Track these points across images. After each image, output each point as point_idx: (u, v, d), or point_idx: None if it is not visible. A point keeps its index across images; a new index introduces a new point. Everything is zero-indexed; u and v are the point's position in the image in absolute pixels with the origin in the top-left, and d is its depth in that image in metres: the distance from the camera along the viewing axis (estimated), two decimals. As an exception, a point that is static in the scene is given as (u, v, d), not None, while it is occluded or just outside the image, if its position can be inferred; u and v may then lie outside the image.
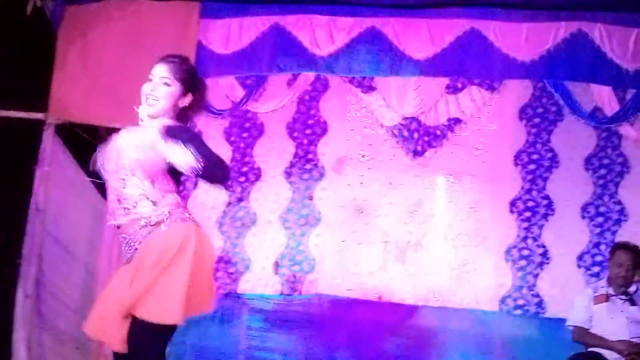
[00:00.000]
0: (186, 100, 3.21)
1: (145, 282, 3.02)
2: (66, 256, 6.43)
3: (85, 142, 6.54)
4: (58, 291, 6.35)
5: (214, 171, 3.06)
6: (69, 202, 6.46)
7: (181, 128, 3.13)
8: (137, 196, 3.10)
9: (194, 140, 3.06)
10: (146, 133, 3.10)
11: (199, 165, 2.94)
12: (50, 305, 6.31)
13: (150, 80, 3.19)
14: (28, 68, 6.33)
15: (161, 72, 3.18)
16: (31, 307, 6.21)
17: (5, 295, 6.17)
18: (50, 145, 6.39)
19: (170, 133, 3.04)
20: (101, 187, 6.53)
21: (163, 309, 3.00)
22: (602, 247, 5.65)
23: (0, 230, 6.20)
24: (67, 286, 6.42)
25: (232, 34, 6.29)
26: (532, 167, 5.90)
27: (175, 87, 3.17)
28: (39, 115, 6.44)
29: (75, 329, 6.40)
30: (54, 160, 6.40)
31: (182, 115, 3.23)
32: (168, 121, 3.15)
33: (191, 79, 3.23)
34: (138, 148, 3.07)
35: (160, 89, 3.15)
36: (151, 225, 3.11)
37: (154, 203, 3.11)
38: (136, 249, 3.13)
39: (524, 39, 5.79)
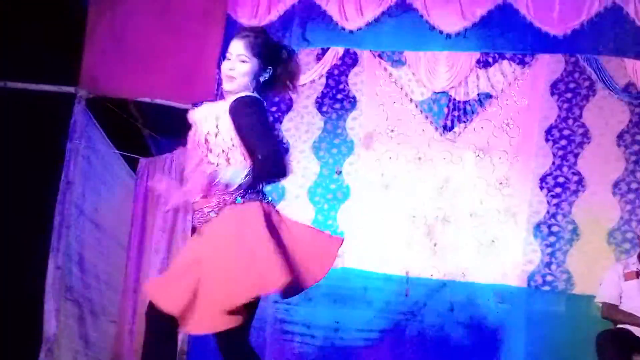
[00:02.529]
0: (266, 75, 3.15)
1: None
2: (95, 229, 6.51)
3: (115, 115, 6.60)
4: (88, 264, 6.43)
5: (265, 172, 3.03)
6: (99, 175, 6.52)
7: (245, 106, 3.03)
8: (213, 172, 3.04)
9: (252, 126, 3.00)
10: (219, 108, 3.08)
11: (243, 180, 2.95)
12: (79, 278, 6.39)
13: (229, 58, 3.13)
14: (58, 42, 6.36)
15: (237, 49, 3.11)
16: (61, 278, 6.30)
17: (36, 266, 6.27)
18: (81, 119, 6.44)
19: (234, 111, 3.01)
20: (130, 161, 6.63)
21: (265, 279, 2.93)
22: (633, 223, 5.59)
23: (32, 203, 6.28)
24: (97, 259, 6.49)
25: (261, 8, 6.28)
26: (563, 142, 5.84)
27: (253, 63, 3.10)
28: (69, 89, 6.49)
29: (103, 300, 6.49)
30: (84, 134, 6.45)
31: (268, 88, 3.19)
32: (243, 94, 3.09)
33: (269, 52, 3.15)
34: (209, 124, 3.05)
35: (237, 66, 3.10)
36: (225, 203, 3.05)
37: (230, 180, 3.02)
38: (207, 221, 3.07)
39: (556, 13, 5.71)
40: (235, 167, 3.01)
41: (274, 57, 3.17)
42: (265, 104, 3.11)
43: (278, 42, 3.30)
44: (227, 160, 3.03)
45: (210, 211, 3.04)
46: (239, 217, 3.01)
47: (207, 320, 2.99)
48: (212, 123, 3.03)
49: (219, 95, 6.43)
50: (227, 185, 3.00)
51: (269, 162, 2.99)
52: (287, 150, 2.95)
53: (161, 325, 3.17)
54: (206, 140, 3.03)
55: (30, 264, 6.25)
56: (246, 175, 3.02)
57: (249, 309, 3.03)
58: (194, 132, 3.10)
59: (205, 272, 2.99)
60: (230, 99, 3.09)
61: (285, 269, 2.91)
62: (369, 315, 5.83)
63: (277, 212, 3.15)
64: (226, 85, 3.13)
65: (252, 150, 3.00)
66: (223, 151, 3.03)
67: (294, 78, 3.25)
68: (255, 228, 2.98)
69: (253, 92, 3.13)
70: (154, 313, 3.17)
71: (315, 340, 5.81)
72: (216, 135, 3.02)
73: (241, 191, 3.05)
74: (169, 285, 3.12)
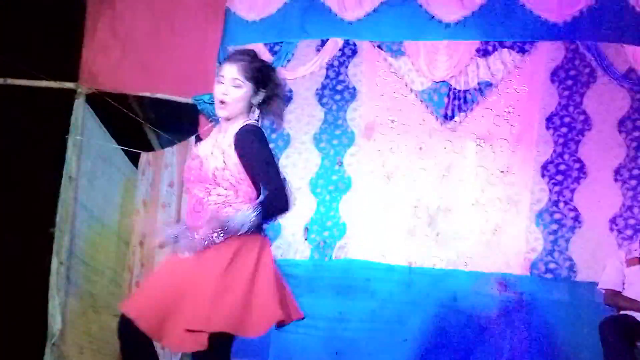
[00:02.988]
0: (259, 98, 3.16)
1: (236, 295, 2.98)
2: (96, 224, 6.52)
3: (116, 110, 6.61)
4: (90, 259, 6.45)
5: (271, 210, 3.05)
6: (100, 170, 6.54)
7: (249, 138, 3.05)
8: (221, 204, 3.05)
9: (257, 159, 3.03)
10: (223, 142, 3.08)
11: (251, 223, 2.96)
12: (80, 272, 6.41)
13: (221, 82, 3.14)
14: (58, 38, 6.38)
15: (231, 72, 3.11)
16: (65, 274, 6.32)
17: (40, 263, 6.28)
18: (81, 115, 6.46)
19: (239, 144, 3.04)
20: (132, 155, 6.65)
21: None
22: (635, 210, 5.57)
23: (34, 199, 6.30)
24: (97, 253, 6.51)
25: (260, 0, 6.29)
26: (564, 130, 5.82)
27: (247, 87, 3.11)
28: (69, 85, 6.50)
29: (105, 295, 6.51)
30: (85, 129, 6.47)
31: (260, 108, 3.19)
32: (242, 122, 3.11)
33: (262, 75, 3.15)
34: (216, 159, 3.06)
35: (231, 91, 3.10)
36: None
37: (240, 227, 3.00)
38: (207, 247, 3.06)
39: (556, 0, 5.71)
40: (243, 212, 2.99)
41: (267, 79, 3.17)
42: (264, 132, 3.13)
43: (268, 63, 3.32)
44: (236, 192, 3.05)
45: (216, 237, 3.03)
46: (238, 248, 3.02)
47: (178, 339, 2.97)
48: (219, 159, 3.04)
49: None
50: (237, 231, 2.99)
51: (275, 200, 3.02)
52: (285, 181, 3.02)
53: (137, 341, 3.12)
54: (214, 175, 3.03)
55: (34, 260, 6.28)
56: (253, 217, 3.01)
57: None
58: (199, 167, 3.09)
59: (190, 291, 2.99)
60: (232, 129, 3.09)
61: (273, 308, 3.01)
62: (372, 305, 5.83)
63: (269, 247, 3.15)
64: (220, 112, 3.13)
65: (258, 182, 3.04)
66: (232, 184, 3.05)
67: (279, 97, 3.25)
68: (247, 263, 3.01)
69: (249, 116, 3.15)
70: (130, 329, 3.11)
71: (318, 331, 5.80)
72: (224, 170, 3.03)
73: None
74: (148, 304, 3.09)
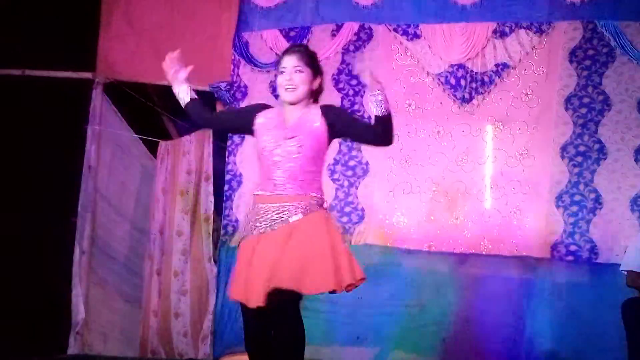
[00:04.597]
0: (316, 83, 3.49)
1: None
2: (114, 213, 6.57)
3: (133, 99, 6.63)
4: (108, 247, 6.50)
5: (390, 127, 3.37)
6: (117, 159, 6.57)
7: (334, 107, 3.50)
8: (307, 175, 3.40)
9: (349, 114, 3.62)
10: (310, 114, 3.43)
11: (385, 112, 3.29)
12: (101, 261, 6.46)
13: (282, 72, 3.44)
14: (74, 29, 6.39)
15: (292, 61, 3.43)
16: (87, 263, 6.38)
17: (62, 252, 6.34)
18: (99, 104, 6.50)
19: (328, 111, 3.44)
20: (149, 144, 6.67)
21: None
22: (657, 190, 5.54)
23: (56, 189, 6.35)
24: (116, 242, 6.56)
25: (275, -14, 6.28)
26: (583, 110, 5.76)
27: (306, 72, 3.43)
28: (87, 75, 6.53)
29: (125, 283, 6.56)
30: (103, 119, 6.50)
31: (313, 97, 3.51)
32: (308, 103, 3.47)
33: (317, 63, 3.52)
34: (310, 131, 3.40)
35: (295, 77, 3.42)
36: (309, 206, 3.40)
37: (318, 185, 3.44)
38: (287, 222, 3.38)
39: (573, -21, 5.66)
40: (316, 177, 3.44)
41: (320, 67, 3.53)
42: None
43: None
44: (320, 166, 3.45)
45: (297, 211, 3.37)
46: (327, 220, 3.42)
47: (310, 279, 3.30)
48: (304, 137, 3.39)
49: (234, 76, 6.44)
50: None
51: (384, 130, 3.37)
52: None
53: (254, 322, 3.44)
54: (309, 147, 3.39)
55: (57, 250, 6.33)
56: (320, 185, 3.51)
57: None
58: (291, 148, 3.40)
59: (293, 246, 3.34)
60: (300, 111, 3.44)
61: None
62: (392, 290, 5.83)
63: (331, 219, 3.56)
64: (288, 96, 3.44)
65: (360, 127, 3.52)
66: (317, 158, 3.42)
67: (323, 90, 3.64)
68: (335, 233, 3.45)
69: (308, 100, 3.48)
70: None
71: (339, 316, 5.82)
72: (319, 142, 3.41)
73: (324, 198, 3.47)
74: (248, 283, 3.38)
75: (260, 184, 3.56)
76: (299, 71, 3.42)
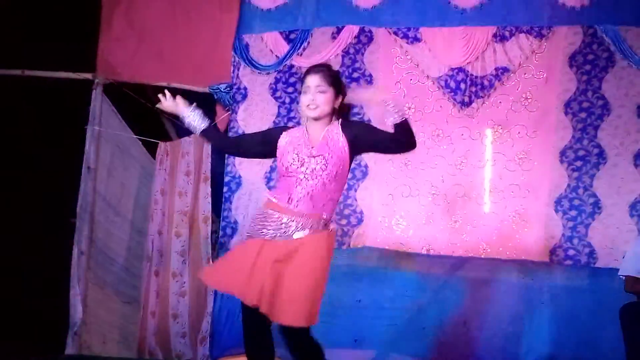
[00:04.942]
0: (338, 102, 3.64)
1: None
2: (113, 214, 6.56)
3: (133, 101, 6.63)
4: (106, 248, 6.50)
5: (411, 132, 3.53)
6: (117, 160, 6.57)
7: (354, 121, 3.70)
8: (326, 195, 3.56)
9: (367, 125, 3.67)
10: (333, 133, 3.57)
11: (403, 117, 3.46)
12: (99, 262, 6.46)
13: (306, 92, 3.62)
14: (75, 29, 6.40)
15: (315, 81, 3.60)
16: (85, 264, 6.37)
17: (61, 253, 6.34)
18: (99, 105, 6.49)
19: (349, 127, 3.58)
20: (148, 145, 6.67)
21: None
22: (656, 195, 5.54)
23: (55, 190, 6.35)
24: (115, 243, 6.55)
25: (276, -12, 6.29)
26: (582, 115, 5.77)
27: (329, 92, 3.60)
28: (86, 76, 6.52)
29: (123, 284, 6.56)
30: (102, 120, 6.50)
31: (336, 115, 3.67)
32: (330, 121, 3.63)
33: (339, 82, 3.68)
34: (334, 149, 3.55)
35: (318, 96, 3.59)
36: (315, 225, 3.58)
37: (332, 205, 3.62)
38: (291, 237, 3.54)
39: (573, -17, 5.67)
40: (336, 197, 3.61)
41: (342, 86, 3.69)
42: None
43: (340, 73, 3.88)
44: (339, 192, 3.64)
45: (304, 227, 3.53)
46: (327, 244, 3.56)
47: (291, 313, 3.48)
48: (332, 156, 3.54)
49: (234, 77, 6.44)
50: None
51: (405, 135, 3.52)
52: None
53: (253, 319, 3.55)
54: (331, 172, 3.56)
55: (55, 250, 6.33)
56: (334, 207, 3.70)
57: None
58: (315, 166, 3.57)
59: (290, 273, 3.50)
60: (324, 128, 3.60)
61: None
62: (390, 293, 5.83)
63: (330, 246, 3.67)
64: (311, 113, 3.61)
65: (382, 138, 3.56)
66: (341, 184, 3.62)
67: (348, 107, 3.77)
68: (328, 260, 3.57)
69: (329, 118, 3.63)
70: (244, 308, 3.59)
71: (337, 319, 5.81)
72: (338, 167, 3.57)
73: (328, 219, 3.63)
74: (250, 282, 3.52)
75: (276, 192, 3.67)
76: (322, 92, 3.57)
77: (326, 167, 3.54)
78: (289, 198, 3.55)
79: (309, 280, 3.48)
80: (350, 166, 3.68)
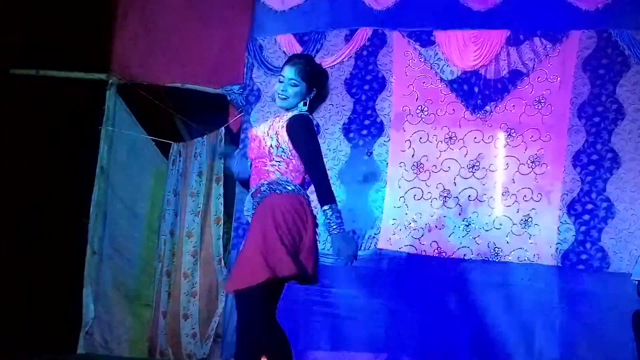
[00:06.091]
0: (311, 95, 3.70)
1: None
2: (129, 213, 6.59)
3: (146, 101, 6.66)
4: (122, 248, 6.52)
5: (328, 190, 3.51)
6: (131, 160, 6.60)
7: (299, 125, 3.57)
8: (274, 176, 3.57)
9: (305, 145, 3.56)
10: (278, 124, 3.61)
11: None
12: (115, 262, 6.48)
13: (281, 81, 3.69)
14: (90, 30, 6.43)
15: (289, 73, 3.67)
16: (98, 264, 6.40)
17: (74, 252, 6.37)
18: (113, 105, 6.53)
19: (291, 128, 3.56)
20: (162, 146, 6.69)
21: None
22: (669, 200, 5.50)
23: (68, 190, 6.38)
24: (131, 243, 6.58)
25: (289, -10, 6.30)
26: (596, 119, 5.74)
27: (302, 86, 3.66)
28: (101, 76, 6.56)
29: (141, 285, 6.58)
30: (116, 120, 6.54)
31: (309, 105, 3.71)
32: (297, 111, 3.65)
33: (315, 77, 3.72)
34: (270, 139, 3.59)
35: (289, 88, 3.66)
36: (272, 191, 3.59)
37: (286, 181, 3.56)
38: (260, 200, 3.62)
39: (587, -13, 5.65)
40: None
41: (318, 81, 3.73)
42: (314, 121, 3.65)
43: (320, 66, 3.84)
44: (287, 164, 3.58)
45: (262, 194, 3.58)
46: (275, 205, 3.51)
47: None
48: (273, 138, 3.58)
49: (247, 79, 6.45)
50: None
51: (317, 183, 3.51)
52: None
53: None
54: (269, 152, 3.58)
55: (68, 250, 6.36)
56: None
57: (272, 289, 3.47)
58: (258, 146, 3.63)
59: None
60: (287, 116, 3.63)
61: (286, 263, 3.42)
62: (400, 295, 5.82)
63: (309, 205, 3.60)
64: (280, 102, 3.70)
65: (303, 163, 3.58)
66: (284, 158, 3.58)
67: (325, 97, 3.84)
68: (279, 218, 3.49)
69: (302, 108, 3.67)
70: None
71: (349, 321, 5.83)
72: (277, 147, 3.58)
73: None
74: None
75: None
76: (294, 85, 3.65)
77: (259, 146, 3.63)
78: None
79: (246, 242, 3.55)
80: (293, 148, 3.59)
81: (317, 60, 6.13)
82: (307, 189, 3.63)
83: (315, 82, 3.70)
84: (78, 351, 6.27)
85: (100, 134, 6.52)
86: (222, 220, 6.43)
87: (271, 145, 3.57)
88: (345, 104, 6.23)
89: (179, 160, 6.58)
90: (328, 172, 3.61)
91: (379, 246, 6.00)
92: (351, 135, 6.19)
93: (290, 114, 3.63)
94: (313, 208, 3.60)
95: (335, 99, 6.22)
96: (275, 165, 3.57)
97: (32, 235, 6.21)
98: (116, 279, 6.49)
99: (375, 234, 6.04)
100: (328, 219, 3.45)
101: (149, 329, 6.42)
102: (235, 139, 6.49)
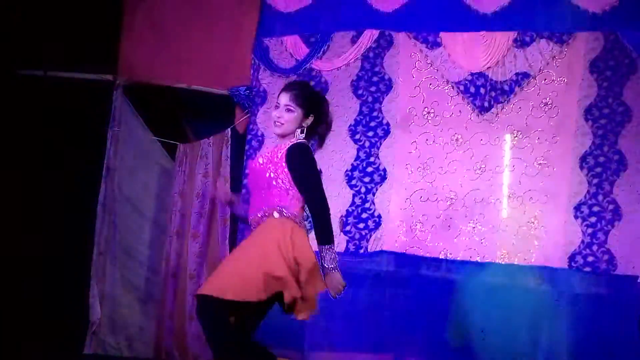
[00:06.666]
0: (308, 121, 3.73)
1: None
2: (136, 214, 6.60)
3: (153, 102, 6.67)
4: (130, 249, 6.54)
5: (324, 219, 3.60)
6: (138, 161, 6.61)
7: (297, 155, 3.62)
8: (273, 204, 3.62)
9: (302, 175, 3.61)
10: (277, 155, 3.65)
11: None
12: (123, 262, 6.49)
13: (277, 107, 3.73)
14: (97, 31, 6.44)
15: (285, 100, 3.71)
16: (104, 264, 6.41)
17: (80, 252, 6.38)
18: (120, 106, 6.54)
19: (289, 158, 3.61)
20: (168, 147, 6.70)
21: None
22: (676, 202, 5.49)
23: (75, 190, 6.39)
24: (139, 243, 6.59)
25: (295, -9, 6.30)
26: (603, 121, 5.72)
27: (297, 112, 3.69)
28: (108, 77, 6.57)
29: (152, 287, 6.59)
30: (123, 121, 6.55)
31: (308, 131, 3.74)
32: (294, 139, 3.69)
33: (311, 103, 3.74)
34: (270, 169, 3.65)
35: (285, 115, 3.69)
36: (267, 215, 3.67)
37: (285, 209, 3.62)
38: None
39: (594, -11, 5.64)
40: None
41: (315, 106, 3.75)
42: (312, 149, 3.69)
43: (319, 93, 3.91)
44: (287, 193, 3.62)
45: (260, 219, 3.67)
46: (267, 229, 3.60)
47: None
48: (271, 169, 3.63)
49: (254, 80, 6.46)
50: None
51: (316, 217, 3.58)
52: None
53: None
54: (269, 182, 3.62)
55: (75, 250, 6.37)
56: (295, 210, 3.65)
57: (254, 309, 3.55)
58: (257, 177, 3.69)
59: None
60: (285, 146, 3.65)
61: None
62: (406, 297, 5.82)
63: (303, 234, 3.64)
64: (275, 130, 3.75)
65: (301, 192, 3.64)
66: (283, 189, 3.62)
67: (325, 123, 3.83)
68: (268, 243, 3.54)
69: (300, 136, 3.72)
70: None
71: (354, 322, 5.83)
72: (276, 179, 3.61)
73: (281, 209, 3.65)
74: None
75: None
76: (290, 110, 3.68)
77: (259, 175, 3.68)
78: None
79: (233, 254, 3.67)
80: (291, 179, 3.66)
81: (324, 61, 6.23)
82: (308, 218, 3.67)
83: (312, 107, 3.71)
84: (85, 351, 6.28)
85: (106, 134, 6.53)
86: (228, 222, 6.43)
87: (270, 176, 3.62)
88: (351, 105, 6.23)
89: (185, 161, 6.58)
90: (330, 210, 3.62)
91: (385, 248, 6.00)
92: (357, 136, 6.19)
93: (289, 143, 3.66)
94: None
95: (342, 100, 6.23)
96: (275, 196, 3.61)
97: (39, 235, 6.22)
98: (125, 280, 6.50)
99: (381, 236, 6.04)
100: (322, 257, 3.51)
101: (155, 329, 6.42)
102: (241, 140, 6.49)
